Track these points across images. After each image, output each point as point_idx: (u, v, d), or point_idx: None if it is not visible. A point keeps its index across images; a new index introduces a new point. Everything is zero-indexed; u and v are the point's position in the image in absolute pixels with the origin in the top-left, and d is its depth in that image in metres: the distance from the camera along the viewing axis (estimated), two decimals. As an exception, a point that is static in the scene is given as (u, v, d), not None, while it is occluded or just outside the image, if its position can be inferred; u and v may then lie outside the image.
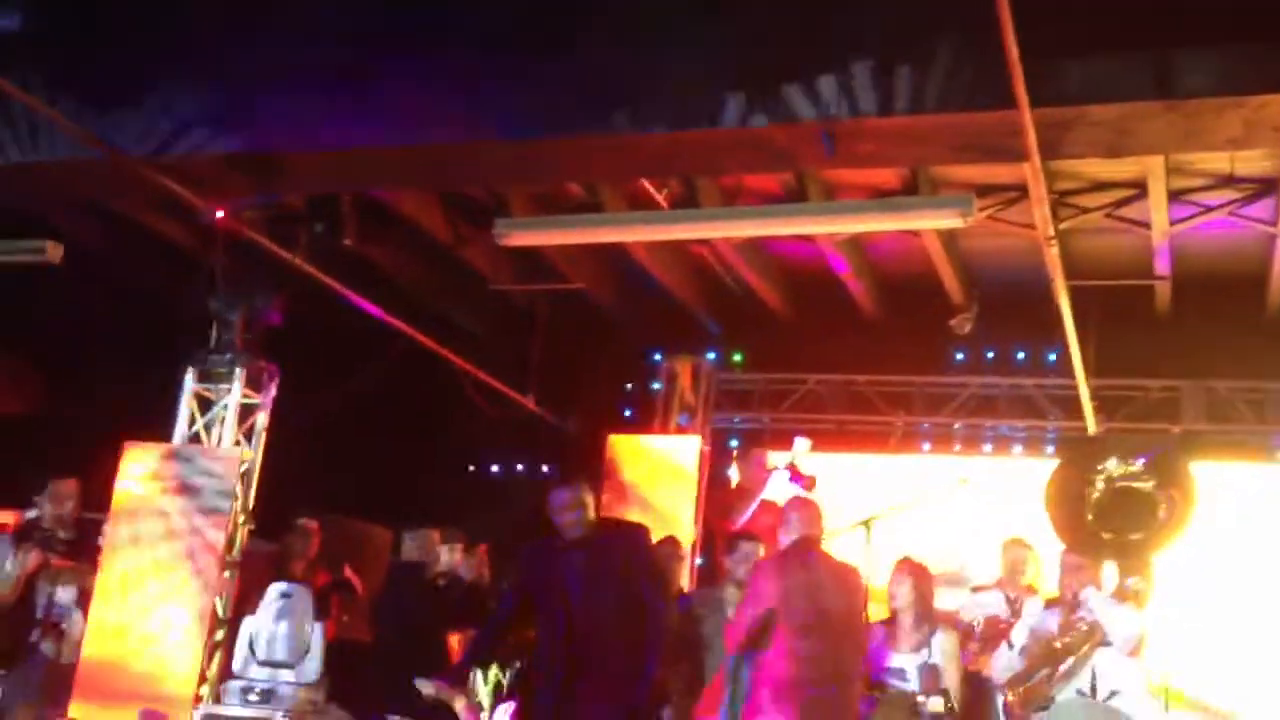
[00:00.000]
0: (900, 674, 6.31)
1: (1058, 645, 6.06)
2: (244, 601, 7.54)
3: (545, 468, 11.14)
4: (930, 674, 6.26)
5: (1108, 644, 5.99)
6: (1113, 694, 5.92)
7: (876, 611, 6.84)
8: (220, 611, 7.73)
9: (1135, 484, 6.11)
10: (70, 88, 7.17)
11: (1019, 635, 6.37)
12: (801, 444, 8.22)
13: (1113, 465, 6.07)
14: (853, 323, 10.15)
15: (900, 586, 6.47)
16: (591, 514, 5.67)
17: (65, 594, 6.82)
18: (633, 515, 8.94)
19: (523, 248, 8.68)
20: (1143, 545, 6.03)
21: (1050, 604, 6.45)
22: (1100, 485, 5.99)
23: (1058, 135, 5.95)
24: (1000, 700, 6.65)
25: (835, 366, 10.65)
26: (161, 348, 8.53)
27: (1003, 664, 6.39)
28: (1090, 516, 5.97)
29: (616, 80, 6.57)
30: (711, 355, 10.85)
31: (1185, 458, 6.36)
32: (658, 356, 10.75)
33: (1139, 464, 5.98)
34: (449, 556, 7.34)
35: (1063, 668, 6.02)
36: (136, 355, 9.07)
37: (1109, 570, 6.36)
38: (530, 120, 6.77)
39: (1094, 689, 5.96)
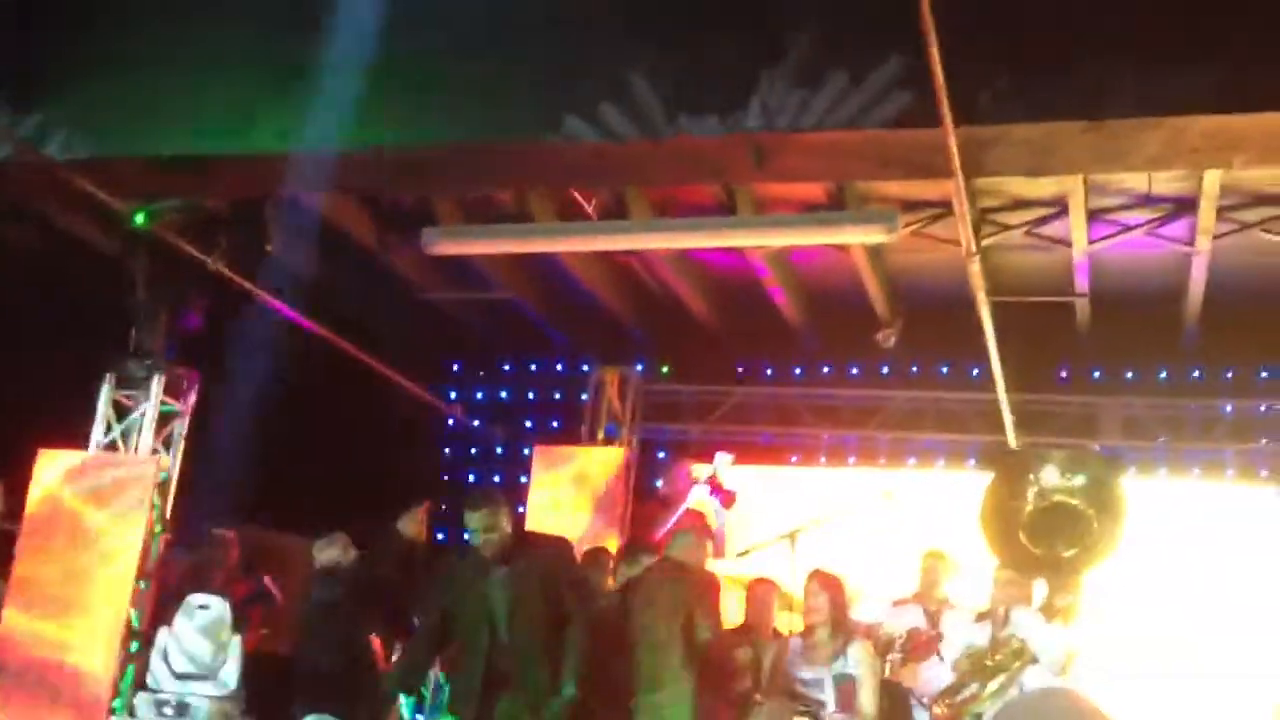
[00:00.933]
0: (817, 685, 6.33)
1: (989, 663, 6.11)
2: (160, 612, 7.40)
3: (471, 477, 11.07)
4: (846, 684, 6.29)
5: (1035, 662, 6.05)
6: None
7: (793, 623, 6.88)
8: (135, 622, 7.58)
9: (1067, 500, 6.17)
10: (-9, 88, 7.05)
11: (950, 649, 6.41)
12: (723, 458, 8.20)
13: (1044, 480, 6.12)
14: (781, 335, 10.21)
15: (815, 599, 6.49)
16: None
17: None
18: (558, 526, 8.90)
19: (452, 257, 8.63)
20: (1074, 562, 6.09)
21: (982, 618, 6.50)
22: (1032, 501, 6.03)
23: (980, 154, 6.03)
24: (925, 713, 6.71)
25: (763, 378, 10.71)
26: (79, 352, 8.35)
27: (933, 676, 6.44)
28: (1022, 532, 6.02)
29: (547, 89, 6.56)
30: (639, 366, 10.85)
31: (1115, 474, 6.44)
32: (585, 367, 10.74)
33: (1074, 480, 6.02)
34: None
35: (992, 685, 6.06)
36: (53, 359, 8.88)
37: (1038, 586, 6.43)
38: (458, 126, 6.74)
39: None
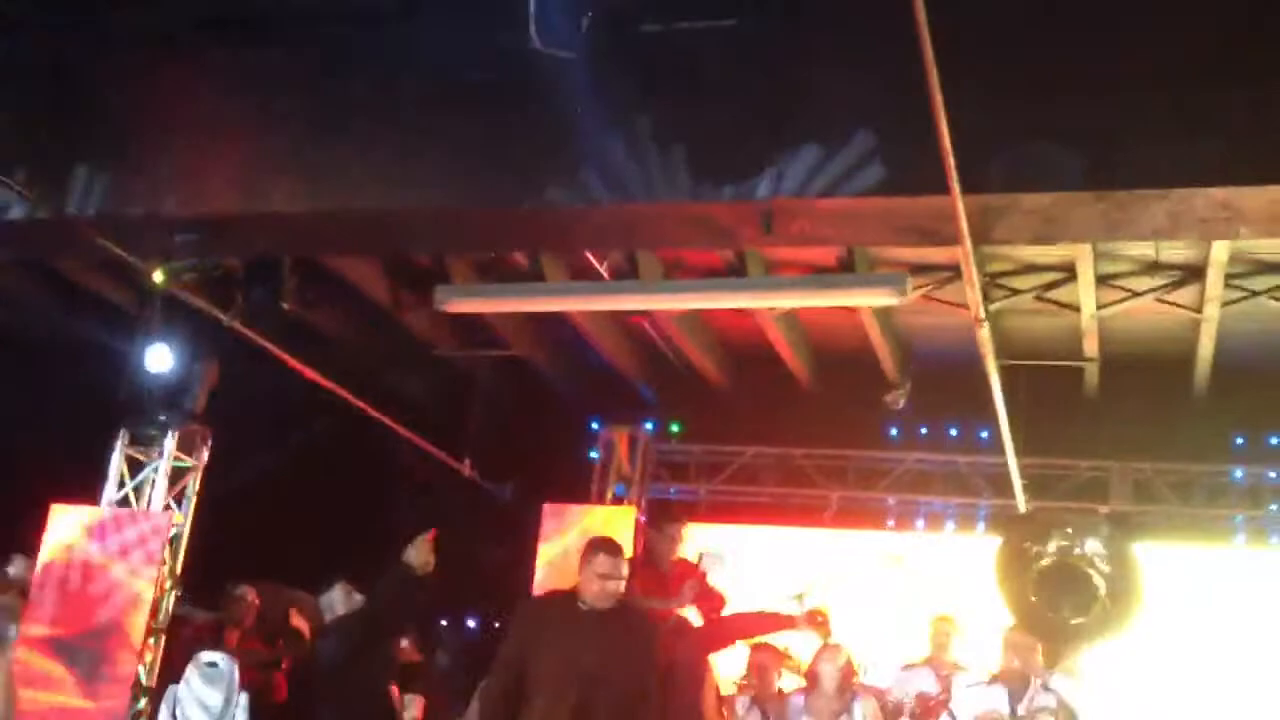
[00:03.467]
0: None
1: None
2: (171, 669, 7.40)
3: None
4: None
5: None
6: None
7: (797, 681, 6.86)
8: (144, 679, 7.58)
9: (1078, 565, 6.15)
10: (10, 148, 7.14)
11: (967, 714, 6.37)
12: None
13: (1053, 545, 6.10)
14: (790, 396, 10.25)
15: (825, 665, 6.48)
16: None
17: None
18: (568, 585, 8.88)
19: (463, 314, 8.70)
20: (1080, 630, 6.05)
21: (995, 680, 6.45)
22: (1043, 564, 6.00)
23: (989, 221, 6.08)
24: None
25: (772, 439, 10.74)
26: (95, 408, 8.42)
27: None
28: (1033, 596, 5.99)
29: (560, 152, 6.64)
30: (649, 425, 10.88)
31: (1128, 541, 6.42)
32: (595, 425, 10.77)
33: (1085, 546, 5.99)
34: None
35: None
36: (68, 415, 8.95)
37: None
38: (473, 190, 6.82)
39: None
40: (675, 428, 11.01)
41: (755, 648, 7.18)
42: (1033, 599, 5.86)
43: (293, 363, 8.24)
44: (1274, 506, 9.97)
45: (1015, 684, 6.22)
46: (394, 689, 6.64)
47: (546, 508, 10.15)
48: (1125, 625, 5.71)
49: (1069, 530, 6.12)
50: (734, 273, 8.38)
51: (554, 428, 10.84)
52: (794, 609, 6.57)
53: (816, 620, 6.29)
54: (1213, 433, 9.63)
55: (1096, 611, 6.01)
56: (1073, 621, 6.10)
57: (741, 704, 7.08)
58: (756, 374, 10.14)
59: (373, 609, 6.51)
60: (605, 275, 8.14)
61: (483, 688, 5.59)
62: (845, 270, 8.11)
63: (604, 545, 5.47)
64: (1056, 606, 6.05)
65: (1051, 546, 6.01)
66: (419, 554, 6.28)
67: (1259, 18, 5.57)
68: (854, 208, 6.15)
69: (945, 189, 5.49)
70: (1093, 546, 6.01)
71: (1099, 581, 6.04)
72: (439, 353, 9.97)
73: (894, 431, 10.53)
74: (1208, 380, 9.28)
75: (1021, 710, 6.14)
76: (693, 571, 6.56)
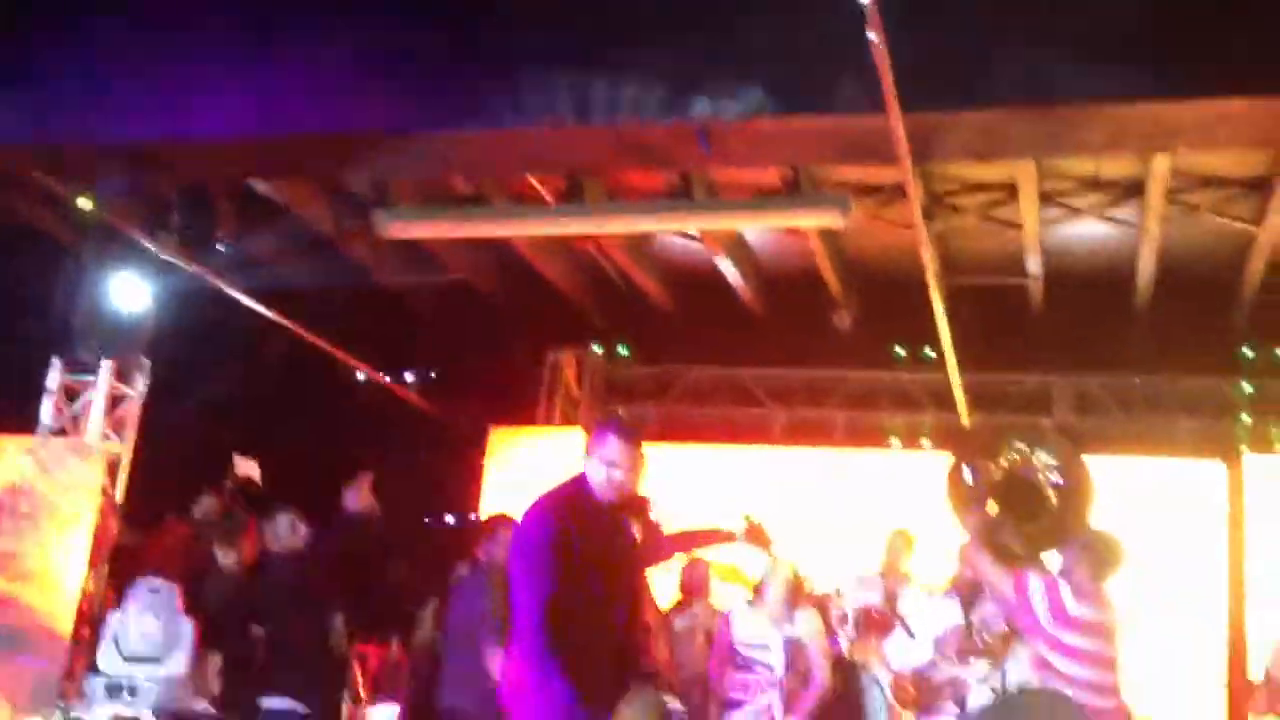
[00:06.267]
0: (763, 649, 6.39)
1: (979, 645, 6.12)
2: (113, 596, 7.37)
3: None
4: (795, 649, 6.36)
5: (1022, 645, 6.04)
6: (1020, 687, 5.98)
7: (743, 592, 6.92)
8: (87, 607, 7.56)
9: (1029, 477, 6.19)
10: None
11: (923, 626, 6.43)
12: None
13: (1005, 458, 6.13)
14: (737, 318, 10.25)
15: (770, 578, 6.53)
16: None
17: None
18: (517, 508, 8.91)
19: (406, 240, 8.60)
20: (1037, 541, 6.11)
21: (948, 590, 6.52)
22: (995, 478, 6.03)
23: (929, 140, 6.07)
24: (880, 688, 6.76)
25: (719, 360, 10.76)
26: (30, 338, 8.28)
27: (899, 650, 6.48)
28: (985, 509, 6.03)
29: (500, 74, 6.54)
30: (596, 348, 10.87)
31: (1077, 452, 6.45)
32: (542, 349, 10.75)
33: (1036, 458, 6.02)
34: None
35: (977, 670, 6.06)
36: (2, 344, 8.81)
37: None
38: (414, 111, 6.71)
39: (1003, 685, 6.01)
40: (624, 350, 11.01)
41: (691, 561, 7.24)
42: (989, 514, 5.89)
43: (232, 291, 8.13)
44: (1213, 417, 10.12)
45: (968, 593, 6.30)
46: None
47: (494, 431, 10.15)
48: (1075, 535, 5.76)
49: (1019, 443, 6.14)
50: (678, 196, 8.32)
51: (501, 353, 10.80)
52: (738, 525, 6.61)
53: (757, 535, 6.32)
54: (1155, 345, 9.71)
55: (1046, 522, 6.05)
56: (1027, 532, 6.15)
57: (680, 620, 7.16)
58: (703, 296, 10.11)
59: (315, 554, 6.52)
60: (549, 200, 8.07)
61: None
62: (790, 193, 8.08)
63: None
64: (1009, 519, 6.08)
65: (1003, 460, 6.03)
66: (358, 496, 6.27)
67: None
68: (792, 127, 6.13)
69: (884, 107, 5.46)
70: (1043, 458, 6.04)
71: (1050, 493, 6.09)
72: (382, 279, 9.85)
73: (840, 351, 10.54)
74: (1149, 294, 9.36)
75: (975, 619, 6.22)
76: (641, 501, 6.56)
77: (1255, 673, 8.22)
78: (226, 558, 7.05)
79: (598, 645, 4.49)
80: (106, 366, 7.92)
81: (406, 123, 6.75)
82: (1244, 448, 9.87)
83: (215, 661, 6.79)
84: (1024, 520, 5.77)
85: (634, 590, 5.05)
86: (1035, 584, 5.02)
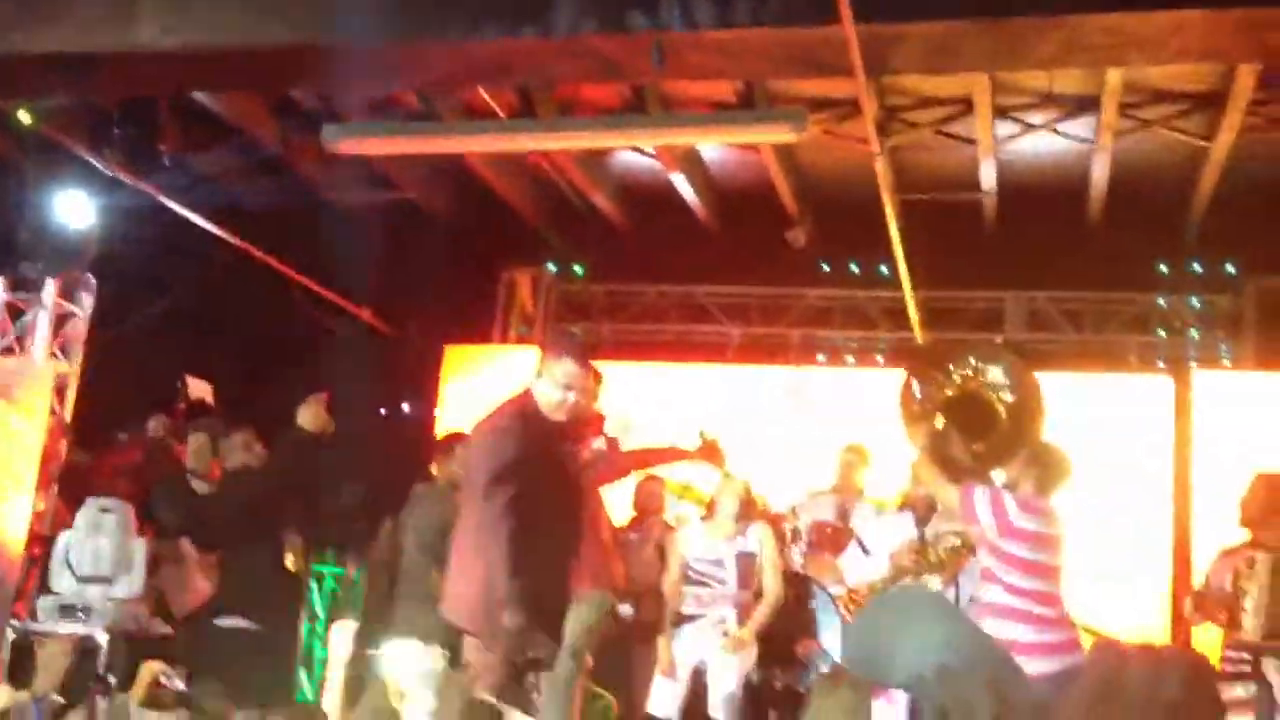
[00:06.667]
0: (717, 564, 6.45)
1: (931, 559, 6.19)
2: (63, 516, 7.32)
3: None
4: (747, 562, 6.42)
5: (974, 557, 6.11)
6: (972, 600, 6.06)
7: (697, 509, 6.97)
8: (37, 526, 7.50)
9: (980, 393, 6.22)
10: None
11: (877, 541, 6.49)
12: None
13: (956, 374, 6.15)
14: (692, 235, 10.21)
15: (723, 494, 6.57)
16: None
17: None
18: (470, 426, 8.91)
19: (357, 157, 8.48)
20: (986, 456, 6.15)
21: (903, 508, 6.57)
22: (947, 394, 6.05)
23: (882, 52, 6.02)
24: (832, 602, 6.82)
25: (674, 278, 10.74)
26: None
27: (853, 565, 6.54)
28: (938, 426, 6.06)
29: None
30: (551, 266, 10.81)
31: (1029, 369, 6.50)
32: (496, 267, 10.68)
33: (988, 375, 6.05)
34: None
35: (932, 584, 6.13)
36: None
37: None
38: (363, 22, 6.57)
39: (957, 599, 6.08)
40: (578, 269, 10.95)
41: (646, 478, 7.27)
42: (937, 428, 5.92)
43: (177, 207, 8.00)
44: (1162, 332, 10.22)
45: (921, 509, 6.36)
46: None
47: (449, 349, 10.11)
48: (1026, 451, 5.81)
49: (971, 360, 6.16)
50: (632, 110, 8.24)
51: (455, 271, 10.72)
52: (693, 443, 6.61)
53: (712, 452, 6.33)
54: (1106, 262, 9.77)
55: (996, 438, 6.09)
56: (975, 449, 6.18)
57: (635, 536, 7.20)
58: (658, 213, 10.06)
59: (269, 470, 6.48)
60: (501, 114, 7.96)
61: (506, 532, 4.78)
62: (744, 107, 8.02)
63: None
64: (961, 435, 6.11)
65: (955, 377, 6.05)
66: (312, 415, 6.23)
67: None
68: (745, 39, 6.05)
69: (837, 18, 5.40)
70: (995, 375, 6.06)
71: (1000, 409, 6.12)
72: (332, 197, 9.73)
73: (794, 268, 10.54)
74: (1102, 210, 9.40)
75: (929, 534, 6.29)
76: (597, 419, 6.53)
77: (1198, 581, 8.37)
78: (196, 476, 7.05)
79: (548, 566, 4.53)
80: (51, 284, 7.79)
81: (354, 33, 6.60)
82: (1193, 364, 9.99)
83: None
84: (974, 436, 5.82)
85: (583, 507, 5.07)
86: (980, 496, 5.06)
